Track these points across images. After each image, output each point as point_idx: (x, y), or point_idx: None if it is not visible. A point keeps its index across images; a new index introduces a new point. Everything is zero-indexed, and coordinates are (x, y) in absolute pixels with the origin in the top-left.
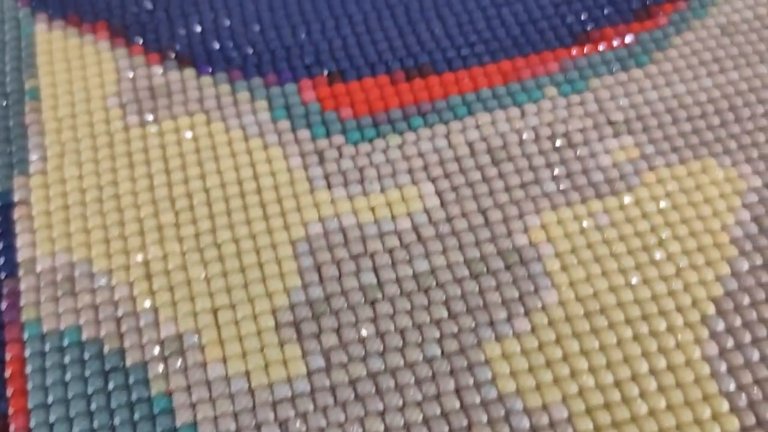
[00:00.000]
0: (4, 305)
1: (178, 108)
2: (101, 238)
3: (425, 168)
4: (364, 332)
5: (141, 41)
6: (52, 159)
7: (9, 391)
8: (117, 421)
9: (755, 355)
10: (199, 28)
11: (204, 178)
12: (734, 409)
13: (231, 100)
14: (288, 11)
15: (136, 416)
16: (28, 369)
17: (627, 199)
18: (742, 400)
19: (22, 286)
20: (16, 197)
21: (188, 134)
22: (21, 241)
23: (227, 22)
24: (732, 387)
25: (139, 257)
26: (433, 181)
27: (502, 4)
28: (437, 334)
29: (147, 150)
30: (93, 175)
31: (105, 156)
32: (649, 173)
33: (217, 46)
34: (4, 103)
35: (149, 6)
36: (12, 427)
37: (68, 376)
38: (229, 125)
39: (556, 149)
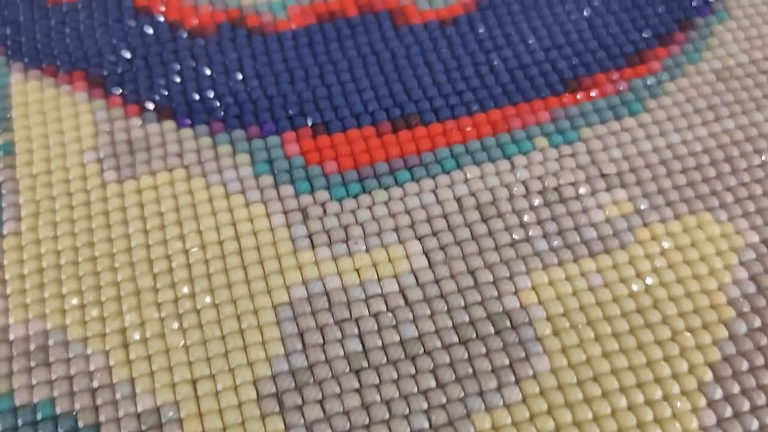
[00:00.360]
0: None
1: (157, 163)
2: (77, 304)
3: (412, 226)
4: (349, 403)
5: (119, 92)
6: (27, 219)
7: None
8: None
9: (754, 425)
10: (178, 78)
11: (183, 238)
12: None
13: (212, 154)
14: (271, 59)
15: None
16: None
17: (620, 258)
18: None
19: None
20: None
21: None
22: None
23: (207, 71)
24: None
25: (116, 324)
26: (421, 239)
27: (490, 50)
28: (425, 405)
29: (125, 209)
30: (69, 236)
31: (81, 215)
32: (643, 229)
33: (197, 96)
34: None
35: (127, 55)
36: None
37: None
38: (210, 181)
39: (547, 204)
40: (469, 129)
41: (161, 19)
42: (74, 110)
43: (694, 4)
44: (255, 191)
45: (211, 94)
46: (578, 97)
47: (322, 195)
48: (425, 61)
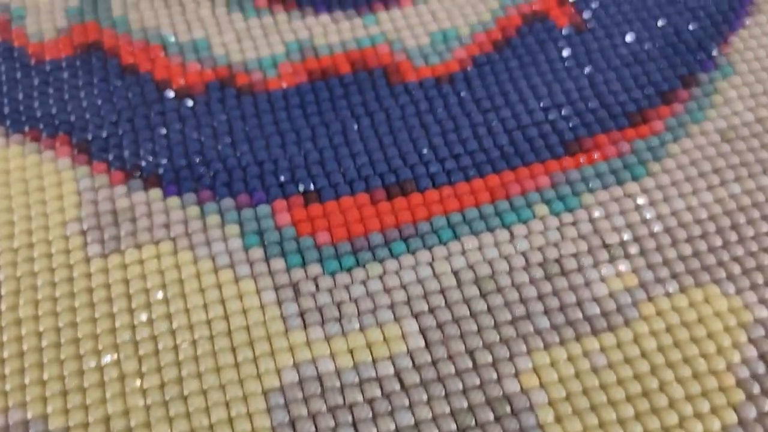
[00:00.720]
0: None
1: (143, 235)
2: (59, 390)
3: (408, 302)
4: None
5: (104, 157)
6: (7, 297)
7: None
8: None
9: None
10: (165, 142)
11: (170, 318)
12: None
13: (200, 225)
14: (261, 121)
15: None
16: None
17: (625, 336)
18: None
19: None
20: None
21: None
22: None
23: (195, 135)
24: None
25: (99, 413)
26: (417, 317)
27: (488, 109)
28: None
29: (109, 286)
30: (51, 316)
31: (64, 293)
32: (648, 304)
33: (184, 162)
34: None
35: (113, 117)
36: None
37: None
38: (198, 255)
39: (548, 278)
40: (466, 196)
41: (148, 78)
42: (57, 178)
43: (697, 58)
44: (245, 265)
45: (198, 160)
46: (579, 160)
47: (314, 269)
48: (421, 123)
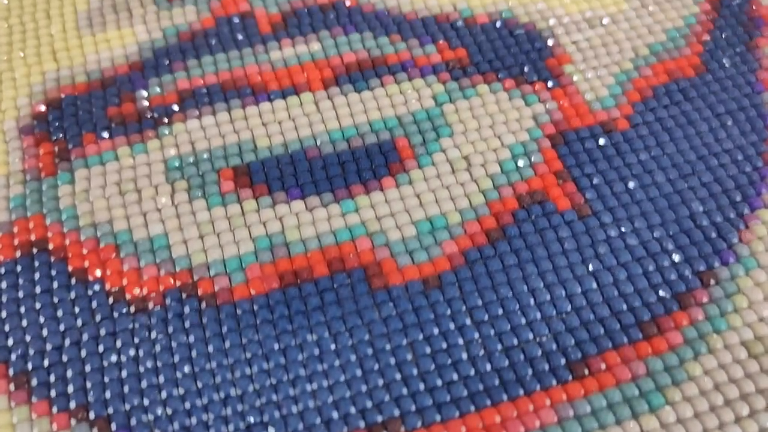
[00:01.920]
0: None
1: None
2: None
3: None
4: None
5: (46, 395)
6: None
7: None
8: None
9: None
10: (116, 373)
11: None
12: None
13: None
14: (225, 343)
15: None
16: None
17: None
18: None
19: None
20: None
21: None
22: None
23: (150, 363)
24: None
25: None
26: None
27: (482, 321)
28: None
29: None
30: None
31: None
32: None
33: (137, 400)
34: None
35: (57, 341)
36: None
37: None
38: None
39: None
40: None
41: (98, 287)
42: None
43: (716, 248)
44: None
45: (154, 397)
46: (588, 386)
47: None
48: (408, 341)
